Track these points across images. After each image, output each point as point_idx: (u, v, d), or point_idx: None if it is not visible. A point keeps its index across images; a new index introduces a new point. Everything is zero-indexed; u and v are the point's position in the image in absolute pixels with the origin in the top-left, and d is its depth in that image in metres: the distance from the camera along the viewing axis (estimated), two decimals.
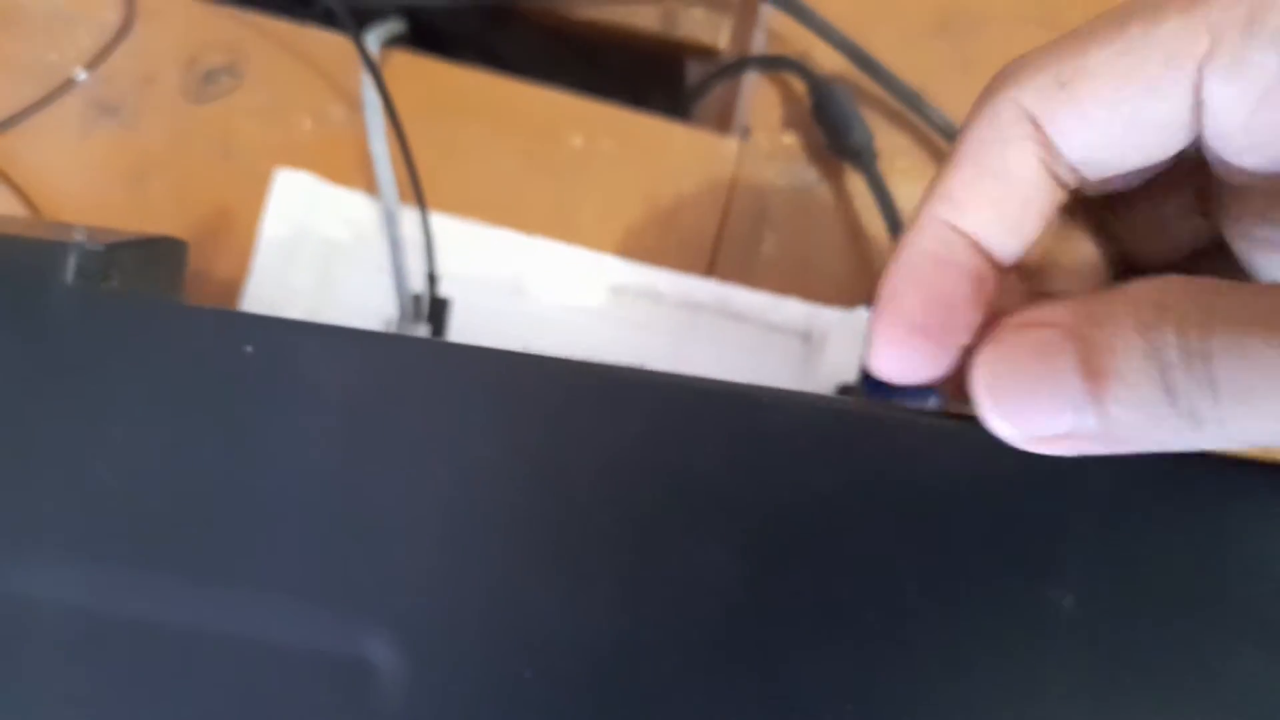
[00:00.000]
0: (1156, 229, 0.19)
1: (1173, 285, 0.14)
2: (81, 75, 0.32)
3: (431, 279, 0.30)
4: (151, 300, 0.19)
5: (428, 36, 0.34)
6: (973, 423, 0.16)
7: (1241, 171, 0.16)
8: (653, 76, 0.37)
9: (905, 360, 0.17)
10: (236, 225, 0.31)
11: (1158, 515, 0.15)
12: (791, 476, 0.16)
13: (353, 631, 0.17)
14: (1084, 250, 0.20)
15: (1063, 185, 0.17)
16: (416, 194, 0.30)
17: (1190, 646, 0.15)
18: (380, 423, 0.17)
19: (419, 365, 0.17)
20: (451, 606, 0.17)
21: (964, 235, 0.17)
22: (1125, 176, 0.17)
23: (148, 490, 0.17)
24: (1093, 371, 0.14)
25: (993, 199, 0.16)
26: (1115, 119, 0.15)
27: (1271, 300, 0.13)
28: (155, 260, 0.21)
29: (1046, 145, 0.16)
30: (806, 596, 0.16)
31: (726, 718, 0.16)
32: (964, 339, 0.17)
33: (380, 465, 0.17)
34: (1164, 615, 0.15)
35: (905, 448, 0.16)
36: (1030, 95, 0.15)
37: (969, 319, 0.17)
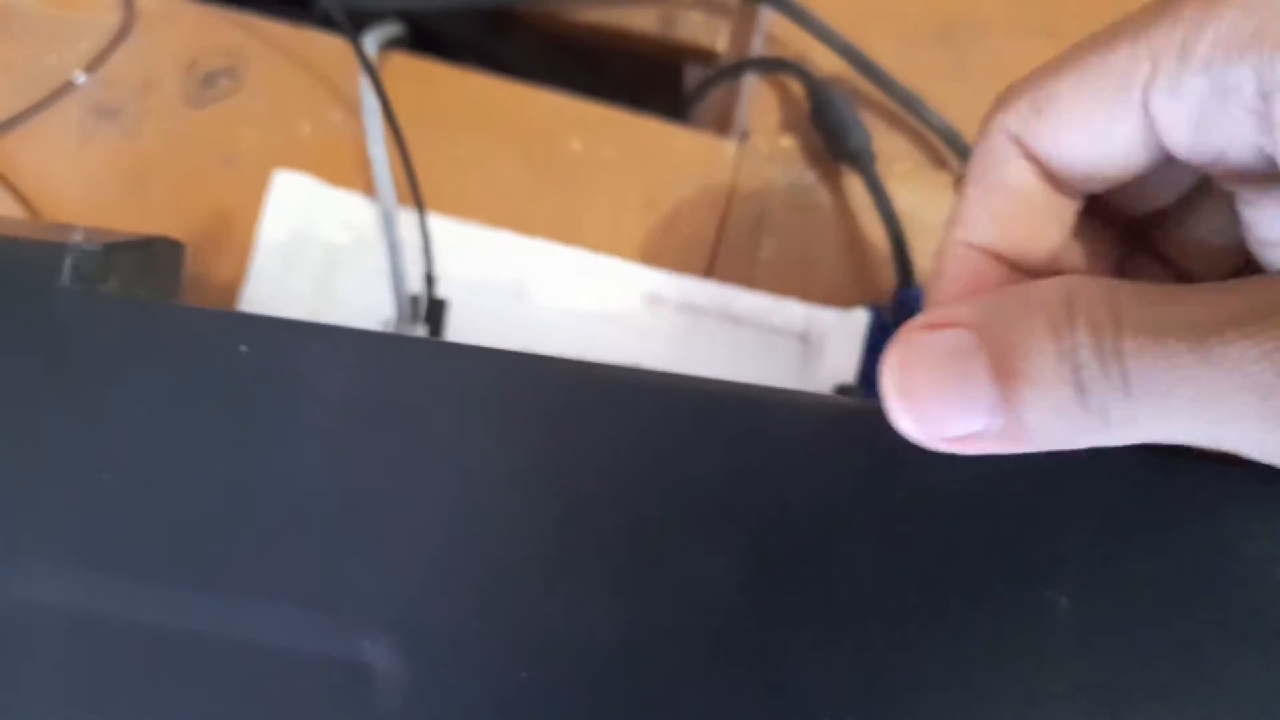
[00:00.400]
0: (1200, 247, 0.19)
1: (1079, 284, 0.14)
2: (81, 78, 0.33)
3: (429, 280, 0.30)
4: (148, 301, 0.19)
5: (429, 43, 0.34)
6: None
7: (1228, 178, 0.16)
8: (651, 80, 0.37)
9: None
10: (235, 228, 0.31)
11: (1154, 516, 0.15)
12: (790, 476, 0.16)
13: (351, 633, 0.17)
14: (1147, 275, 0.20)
15: (1068, 193, 0.17)
16: (414, 196, 0.30)
17: (1186, 647, 0.15)
18: (375, 422, 0.17)
19: (414, 365, 0.17)
20: (450, 608, 0.17)
21: (981, 250, 0.18)
22: (1142, 189, 0.18)
23: (145, 492, 0.17)
24: (1005, 374, 0.14)
25: (995, 212, 0.18)
26: (1082, 140, 0.16)
27: (1178, 300, 0.14)
28: (153, 261, 0.21)
29: (1036, 161, 0.17)
30: (804, 596, 0.16)
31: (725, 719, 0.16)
32: None
33: (376, 464, 0.17)
34: (1160, 616, 0.15)
35: (903, 448, 0.16)
36: (1013, 120, 0.17)
37: None
